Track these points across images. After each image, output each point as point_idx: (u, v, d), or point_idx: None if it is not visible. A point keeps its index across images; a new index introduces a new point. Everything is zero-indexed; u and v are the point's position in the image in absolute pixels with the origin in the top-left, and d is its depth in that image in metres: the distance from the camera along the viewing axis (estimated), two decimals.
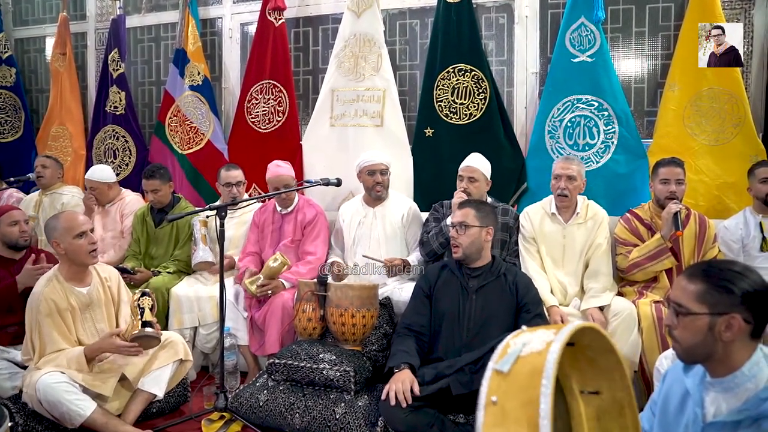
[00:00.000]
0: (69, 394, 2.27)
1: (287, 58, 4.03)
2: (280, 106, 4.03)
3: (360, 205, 3.32)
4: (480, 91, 3.59)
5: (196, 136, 4.27)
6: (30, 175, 3.98)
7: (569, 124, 3.45)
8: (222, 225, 2.56)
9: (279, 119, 4.03)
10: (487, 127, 3.57)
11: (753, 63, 3.41)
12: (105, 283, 2.60)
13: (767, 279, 1.31)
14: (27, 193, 4.25)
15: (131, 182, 4.28)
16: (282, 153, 3.79)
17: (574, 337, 1.09)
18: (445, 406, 2.22)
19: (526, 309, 2.40)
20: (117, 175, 4.12)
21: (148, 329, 2.40)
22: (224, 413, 2.56)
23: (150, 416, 2.62)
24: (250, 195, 3.91)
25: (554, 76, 3.50)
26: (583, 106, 3.42)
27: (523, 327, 1.18)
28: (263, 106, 4.07)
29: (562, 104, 3.46)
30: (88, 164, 4.42)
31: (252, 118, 4.10)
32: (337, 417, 2.41)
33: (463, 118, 3.63)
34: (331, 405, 2.45)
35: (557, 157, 3.36)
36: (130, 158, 4.49)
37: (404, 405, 2.14)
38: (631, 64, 3.64)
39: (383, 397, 2.20)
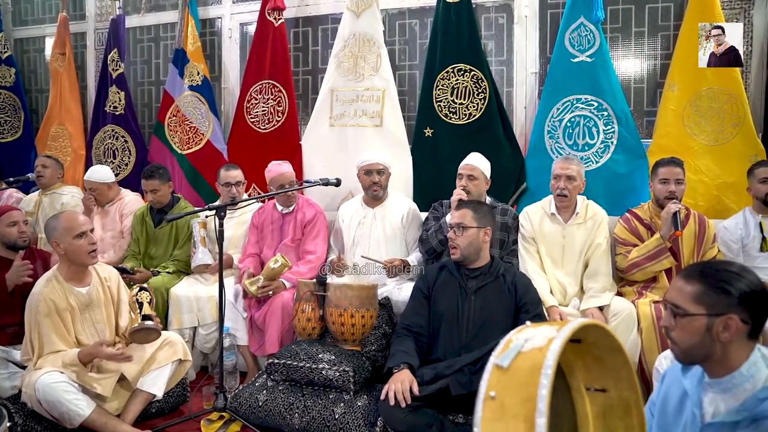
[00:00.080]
0: (68, 394, 2.27)
1: (287, 58, 4.03)
2: (279, 106, 4.03)
3: (359, 206, 3.32)
4: (479, 91, 3.59)
5: (195, 136, 4.27)
6: (30, 175, 3.97)
7: (569, 124, 3.45)
8: (221, 225, 2.56)
9: (278, 119, 4.03)
10: (486, 127, 3.57)
11: (752, 63, 3.41)
12: (104, 283, 2.60)
13: (767, 279, 1.31)
14: (27, 193, 4.25)
15: (131, 182, 4.28)
16: (281, 153, 3.79)
17: (579, 334, 1.08)
18: (444, 406, 2.22)
19: (525, 309, 2.40)
20: (116, 175, 4.12)
21: (148, 322, 2.41)
22: (223, 413, 2.56)
23: (149, 416, 2.62)
24: (249, 195, 3.91)
25: (554, 76, 3.50)
26: (583, 106, 3.42)
27: (527, 322, 1.17)
28: (263, 106, 4.07)
29: (561, 104, 3.46)
30: (88, 164, 4.42)
31: (251, 118, 4.10)
32: (337, 417, 2.41)
33: (463, 118, 3.63)
34: (330, 405, 2.45)
35: (557, 157, 3.36)
36: (129, 158, 4.49)
37: (403, 405, 2.14)
38: (630, 64, 3.63)
39: (382, 397, 2.20)
